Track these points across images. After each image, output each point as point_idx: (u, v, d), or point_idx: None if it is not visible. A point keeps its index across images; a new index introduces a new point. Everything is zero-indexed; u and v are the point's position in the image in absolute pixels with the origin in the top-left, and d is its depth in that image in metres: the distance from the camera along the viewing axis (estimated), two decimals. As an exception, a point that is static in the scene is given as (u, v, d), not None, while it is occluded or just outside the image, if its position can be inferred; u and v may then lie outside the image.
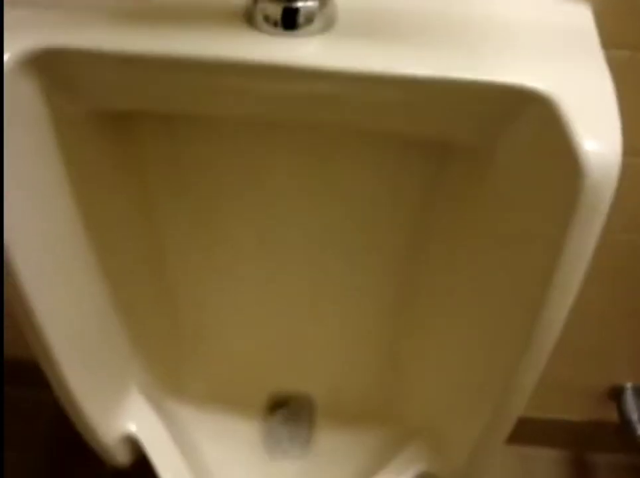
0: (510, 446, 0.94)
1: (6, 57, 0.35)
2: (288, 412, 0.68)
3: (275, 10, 0.36)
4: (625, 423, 0.79)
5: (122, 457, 0.63)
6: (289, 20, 0.37)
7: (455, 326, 0.56)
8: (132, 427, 0.60)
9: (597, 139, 0.33)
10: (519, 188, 0.40)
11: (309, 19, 0.37)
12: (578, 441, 0.92)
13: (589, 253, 0.36)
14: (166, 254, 0.60)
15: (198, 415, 0.67)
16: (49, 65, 0.37)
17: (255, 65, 0.36)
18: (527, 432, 0.91)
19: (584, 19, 0.40)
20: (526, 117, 0.36)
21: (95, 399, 0.57)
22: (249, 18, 0.37)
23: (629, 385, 0.80)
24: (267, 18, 0.37)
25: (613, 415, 0.83)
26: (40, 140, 0.41)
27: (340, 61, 0.36)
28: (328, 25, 0.37)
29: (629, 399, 0.79)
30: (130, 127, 0.47)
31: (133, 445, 0.63)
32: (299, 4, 0.36)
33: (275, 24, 0.37)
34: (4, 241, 0.41)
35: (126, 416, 0.61)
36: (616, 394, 0.81)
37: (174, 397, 0.66)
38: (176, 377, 0.67)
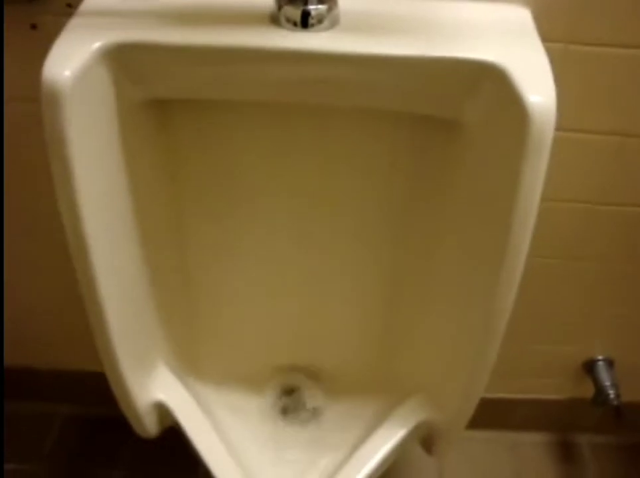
0: (498, 432, 1.05)
1: (92, 48, 0.48)
2: (297, 384, 0.79)
3: (295, 13, 0.51)
4: (598, 390, 0.91)
5: (151, 426, 0.72)
6: (305, 21, 0.51)
7: (439, 296, 0.68)
8: (161, 396, 0.70)
9: (538, 94, 0.47)
10: (485, 145, 0.53)
11: (320, 20, 0.51)
12: (562, 421, 1.03)
13: (540, 185, 0.49)
14: (189, 238, 0.72)
15: (213, 389, 0.77)
16: (120, 57, 0.50)
17: (281, 51, 0.49)
18: (513, 416, 1.03)
19: (525, 18, 0.55)
20: (486, 86, 0.50)
21: (133, 368, 0.66)
22: (274, 20, 0.51)
23: (600, 357, 0.92)
24: (288, 20, 0.51)
25: (591, 392, 0.95)
26: (105, 120, 0.53)
27: (341, 47, 0.50)
28: (334, 24, 0.52)
29: (601, 369, 0.92)
30: (168, 114, 0.60)
31: (160, 416, 0.72)
32: (312, 8, 0.50)
33: (295, 24, 0.51)
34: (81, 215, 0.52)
35: (156, 386, 0.71)
36: (590, 368, 0.93)
37: (192, 372, 0.76)
38: (194, 355, 0.77)
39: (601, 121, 0.65)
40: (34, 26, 0.60)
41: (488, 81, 0.49)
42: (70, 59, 0.48)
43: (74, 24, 0.51)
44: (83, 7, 0.54)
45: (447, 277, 0.65)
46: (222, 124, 0.62)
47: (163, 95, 0.55)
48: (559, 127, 0.64)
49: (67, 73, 0.47)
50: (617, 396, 0.90)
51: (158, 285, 0.70)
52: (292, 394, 0.78)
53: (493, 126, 0.52)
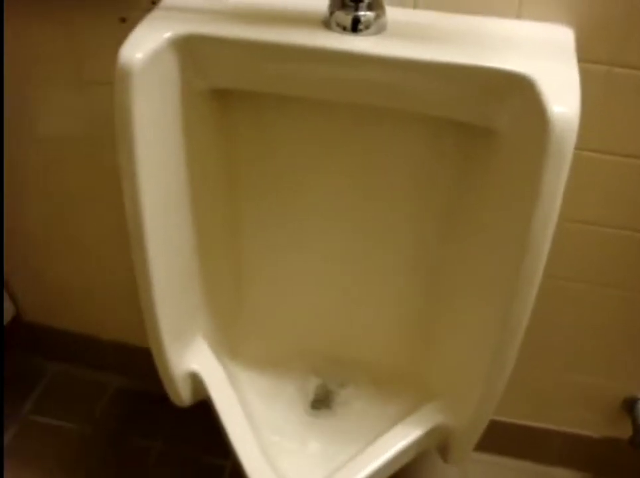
0: (530, 463, 1.04)
1: (163, 37, 0.55)
2: (328, 376, 0.82)
3: (345, 19, 0.56)
4: (636, 430, 0.88)
5: (185, 395, 0.77)
6: (354, 25, 0.56)
7: (467, 299, 0.70)
8: (196, 367, 0.76)
9: (561, 104, 0.49)
10: (515, 153, 0.56)
11: (367, 25, 0.56)
12: (597, 460, 1.00)
13: (559, 194, 0.51)
14: (242, 224, 0.78)
15: (247, 371, 0.82)
16: (187, 47, 0.57)
17: (331, 51, 0.55)
18: (546, 448, 1.01)
19: (565, 37, 0.57)
20: (516, 96, 0.53)
21: (173, 337, 0.72)
22: (326, 24, 0.57)
23: (642, 396, 0.90)
24: (338, 24, 0.56)
25: (629, 433, 0.92)
26: (170, 103, 0.60)
27: (385, 51, 0.55)
28: (380, 30, 0.57)
29: (642, 409, 0.89)
30: (228, 105, 0.66)
31: (194, 387, 0.77)
32: (361, 15, 0.55)
33: (344, 28, 0.56)
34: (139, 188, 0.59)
35: (192, 357, 0.76)
36: (630, 406, 0.91)
37: (229, 352, 0.82)
38: (233, 336, 0.83)
39: (640, 146, 0.66)
40: (123, 20, 0.69)
41: (518, 91, 0.52)
42: (143, 45, 0.55)
43: (152, 17, 0.59)
44: (163, 3, 0.61)
45: (474, 279, 0.67)
46: (276, 117, 0.68)
47: (223, 85, 0.62)
48: (596, 149, 0.66)
49: (139, 55, 0.54)
50: (656, 438, 0.88)
51: (207, 264, 0.76)
52: (321, 385, 0.82)
53: (521, 135, 0.54)
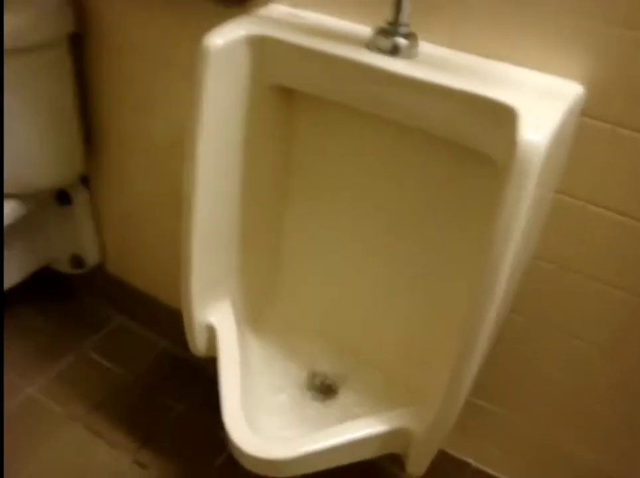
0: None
1: (240, 33, 0.72)
2: (332, 364, 0.91)
3: (384, 43, 0.69)
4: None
5: (200, 344, 0.90)
6: (390, 50, 0.69)
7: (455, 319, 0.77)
8: (214, 320, 0.88)
9: (533, 133, 0.57)
10: (499, 179, 0.64)
11: (400, 51, 0.68)
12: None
13: (521, 218, 0.59)
14: (289, 210, 0.91)
15: (260, 341, 0.93)
16: (258, 46, 0.72)
17: (369, 66, 0.68)
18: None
19: (572, 91, 0.66)
20: (505, 125, 0.62)
21: (201, 288, 0.86)
22: (368, 46, 0.70)
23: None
24: (376, 47, 0.69)
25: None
26: (239, 88, 0.76)
27: (412, 72, 0.66)
28: (411, 57, 0.69)
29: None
30: (291, 101, 0.81)
31: (210, 339, 0.90)
32: (398, 40, 0.68)
33: (380, 50, 0.69)
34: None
35: (214, 312, 0.89)
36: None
37: (251, 322, 0.93)
38: (257, 309, 0.95)
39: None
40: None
41: (506, 121, 0.61)
42: (223, 36, 0.71)
43: (241, 18, 0.76)
44: (259, 12, 0.79)
45: (459, 302, 0.75)
46: (327, 119, 0.82)
47: (281, 83, 0.77)
48: (599, 204, 0.72)
49: (218, 41, 0.70)
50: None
51: (249, 236, 0.89)
52: (323, 371, 0.91)
53: (504, 163, 0.63)
